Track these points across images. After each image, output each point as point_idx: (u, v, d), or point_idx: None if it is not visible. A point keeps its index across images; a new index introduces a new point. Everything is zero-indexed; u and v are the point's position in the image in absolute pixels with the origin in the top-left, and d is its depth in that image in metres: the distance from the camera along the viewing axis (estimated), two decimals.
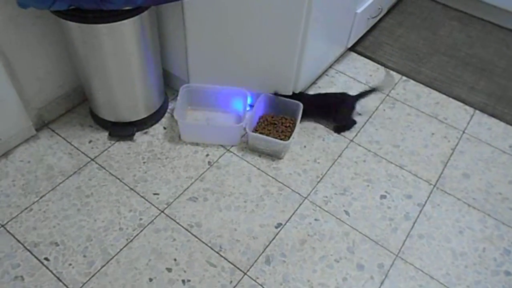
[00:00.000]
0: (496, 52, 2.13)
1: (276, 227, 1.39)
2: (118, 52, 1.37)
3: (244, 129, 1.57)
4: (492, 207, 1.50)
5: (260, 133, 1.58)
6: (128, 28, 1.32)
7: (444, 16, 2.32)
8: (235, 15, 1.42)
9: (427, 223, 1.44)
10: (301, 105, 1.61)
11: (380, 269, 1.31)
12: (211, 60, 1.58)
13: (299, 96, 1.66)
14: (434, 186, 1.55)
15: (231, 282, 1.25)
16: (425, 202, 1.50)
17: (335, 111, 1.67)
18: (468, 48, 2.14)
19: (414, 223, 1.44)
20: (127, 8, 1.25)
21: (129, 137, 1.58)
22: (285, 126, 1.62)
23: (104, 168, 1.50)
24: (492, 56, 2.10)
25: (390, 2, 2.20)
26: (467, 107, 1.85)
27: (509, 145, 1.71)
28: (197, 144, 1.59)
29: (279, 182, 1.51)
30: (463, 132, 1.74)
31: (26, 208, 1.37)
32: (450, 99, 1.88)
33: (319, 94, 1.74)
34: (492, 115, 1.83)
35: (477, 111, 1.84)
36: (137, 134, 1.61)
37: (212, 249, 1.32)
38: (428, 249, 1.37)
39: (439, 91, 1.91)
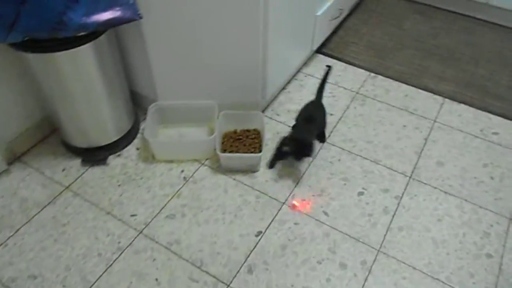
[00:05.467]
0: (460, 40, 2.17)
1: (256, 236, 1.38)
2: (80, 78, 1.37)
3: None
4: (468, 192, 1.51)
5: (230, 151, 1.58)
6: (86, 53, 1.32)
7: (406, 10, 2.36)
8: (193, 28, 1.43)
9: (406, 214, 1.45)
10: (261, 113, 1.61)
11: (363, 266, 1.31)
12: (177, 75, 1.58)
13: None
14: (410, 177, 1.56)
15: None
16: (402, 194, 1.51)
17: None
18: (433, 39, 2.18)
19: (393, 216, 1.44)
20: (82, 33, 1.25)
21: (102, 161, 1.58)
22: (251, 139, 1.62)
23: (79, 195, 1.49)
24: (457, 45, 2.14)
25: (351, 2, 2.24)
26: (436, 96, 1.88)
27: (480, 129, 1.73)
28: (171, 161, 1.59)
29: (256, 190, 1.51)
30: (434, 121, 1.77)
31: (1, 244, 1.35)
32: (419, 90, 1.90)
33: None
34: (462, 101, 1.86)
35: (446, 100, 1.86)
36: (111, 157, 1.60)
37: (193, 265, 1.31)
38: (409, 241, 1.38)
39: (408, 84, 1.93)
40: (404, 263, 1.32)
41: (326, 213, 1.45)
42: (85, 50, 1.31)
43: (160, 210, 1.44)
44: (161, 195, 1.49)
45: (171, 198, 1.48)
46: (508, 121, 1.77)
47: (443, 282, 1.28)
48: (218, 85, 1.61)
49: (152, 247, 1.35)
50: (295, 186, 1.52)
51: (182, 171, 1.56)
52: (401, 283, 1.28)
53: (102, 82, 1.43)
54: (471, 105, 1.84)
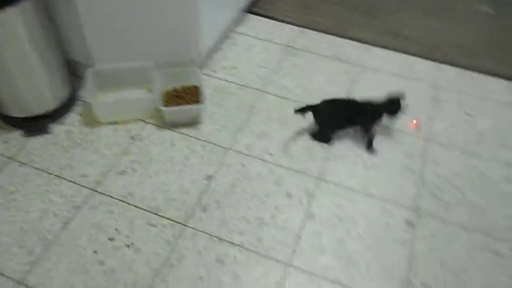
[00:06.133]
0: None
1: (206, 179, 1.47)
2: (10, 45, 1.37)
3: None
4: None
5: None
6: (13, 17, 1.32)
7: None
8: None
9: (341, 147, 1.60)
10: (198, 69, 1.67)
11: (306, 193, 1.45)
12: (111, 38, 1.60)
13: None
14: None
15: (173, 236, 1.32)
16: None
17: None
18: None
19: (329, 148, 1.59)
20: None
21: (43, 130, 1.58)
22: (191, 94, 1.68)
23: (26, 164, 1.48)
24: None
25: None
26: (362, 45, 2.03)
27: (396, 70, 1.92)
28: (116, 123, 1.62)
29: (201, 140, 1.58)
30: (362, 67, 1.92)
31: None
32: (346, 40, 2.05)
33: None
34: (384, 47, 2.03)
35: (371, 46, 2.03)
36: (53, 126, 1.60)
37: (150, 212, 1.38)
38: (344, 166, 1.53)
39: (335, 35, 2.08)
40: (341, 185, 1.47)
41: (270, 154, 1.56)
42: (12, 15, 1.31)
43: (111, 168, 1.48)
44: (109, 154, 1.52)
45: (120, 156, 1.52)
46: (423, 60, 1.97)
47: (376, 198, 1.45)
48: (153, 45, 1.66)
49: (108, 201, 1.39)
50: (238, 132, 1.61)
51: (128, 130, 1.60)
52: (341, 203, 1.43)
53: (34, 48, 1.43)
54: (390, 49, 2.02)
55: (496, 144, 1.63)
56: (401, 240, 1.35)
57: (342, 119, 1.57)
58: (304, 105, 1.55)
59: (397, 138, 1.63)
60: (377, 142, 1.60)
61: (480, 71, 1.92)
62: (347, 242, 1.33)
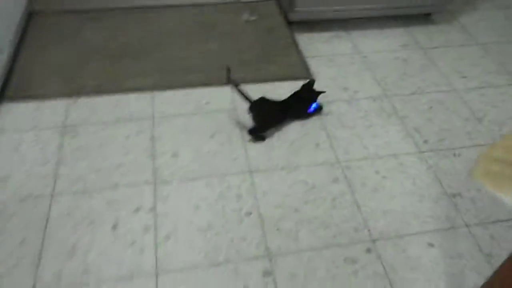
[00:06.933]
0: (140, 32, 2.18)
1: None
2: None
3: None
4: (208, 167, 1.56)
5: None
6: None
7: (80, 22, 2.22)
8: None
9: (167, 221, 1.39)
10: None
11: None
12: None
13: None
14: (154, 183, 1.50)
15: None
16: (155, 203, 1.44)
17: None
18: (115, 40, 2.12)
19: (155, 230, 1.36)
20: None
21: None
22: None
23: None
24: (138, 37, 2.14)
25: (13, 36, 1.96)
26: (144, 93, 1.84)
27: (194, 106, 1.79)
28: None
29: None
30: (153, 117, 1.74)
31: None
32: (126, 94, 1.84)
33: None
34: (167, 88, 1.88)
35: (154, 92, 1.86)
36: None
37: None
38: (181, 244, 1.33)
39: (112, 93, 1.84)
40: (186, 268, 1.28)
41: (86, 271, 1.26)
42: None
43: None
44: None
45: None
46: (211, 88, 1.88)
47: (224, 263, 1.29)
48: None
49: None
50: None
51: None
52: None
53: None
54: (176, 87, 1.89)
55: (312, 147, 1.66)
56: None
57: (275, 114, 1.69)
58: (246, 94, 1.61)
59: (221, 184, 1.51)
60: (206, 200, 1.45)
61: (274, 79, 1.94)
62: None
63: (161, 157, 1.59)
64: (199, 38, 2.16)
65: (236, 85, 1.63)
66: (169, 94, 1.85)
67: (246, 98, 1.62)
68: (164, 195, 1.46)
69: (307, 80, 1.75)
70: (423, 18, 2.38)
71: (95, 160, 1.56)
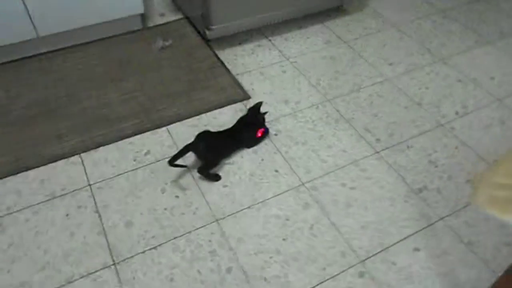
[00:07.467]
0: (39, 84, 1.90)
1: None
2: None
3: None
4: (169, 228, 1.40)
5: None
6: None
7: None
8: None
9: None
10: None
11: None
12: None
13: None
14: (114, 264, 1.31)
15: None
16: (120, 283, 1.26)
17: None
18: (18, 99, 1.83)
19: None
20: None
21: None
22: None
23: None
24: (46, 91, 1.87)
25: None
26: (71, 158, 1.61)
27: (133, 159, 1.60)
28: None
29: None
30: (89, 185, 1.53)
31: None
32: (49, 165, 1.59)
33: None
34: (97, 145, 1.66)
35: (82, 155, 1.63)
36: None
37: None
38: None
39: (31, 168, 1.58)
40: None
41: None
42: None
43: None
44: None
45: None
46: (144, 134, 1.70)
47: None
48: None
49: None
50: None
51: None
52: None
53: None
54: (106, 143, 1.68)
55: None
56: None
57: (224, 146, 1.59)
58: (176, 153, 1.48)
59: (189, 245, 1.36)
60: (182, 274, 1.29)
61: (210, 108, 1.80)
62: None
63: (113, 231, 1.39)
64: (115, 77, 1.94)
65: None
66: (100, 153, 1.64)
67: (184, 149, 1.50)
68: (130, 277, 1.29)
69: (255, 103, 1.66)
70: (336, 11, 2.37)
71: (35, 255, 1.33)
